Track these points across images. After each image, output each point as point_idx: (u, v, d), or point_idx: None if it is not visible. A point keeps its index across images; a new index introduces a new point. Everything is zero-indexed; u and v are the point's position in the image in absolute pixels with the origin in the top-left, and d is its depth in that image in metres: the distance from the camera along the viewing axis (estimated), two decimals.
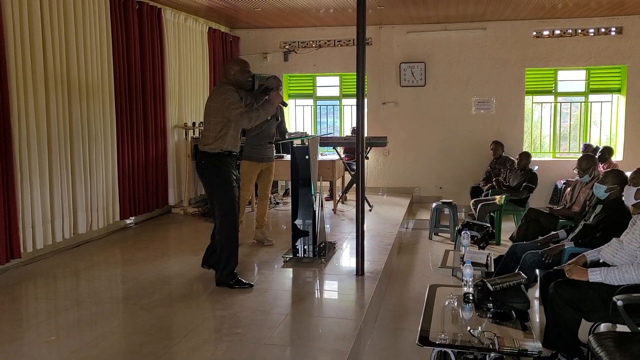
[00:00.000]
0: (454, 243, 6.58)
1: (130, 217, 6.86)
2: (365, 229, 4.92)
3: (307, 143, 5.21)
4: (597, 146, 8.34)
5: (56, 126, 5.44)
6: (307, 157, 5.14)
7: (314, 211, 5.20)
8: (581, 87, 9.01)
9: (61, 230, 5.59)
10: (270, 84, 5.07)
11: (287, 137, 6.17)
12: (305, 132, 8.80)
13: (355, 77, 4.62)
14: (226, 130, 4.40)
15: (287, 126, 6.20)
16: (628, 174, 3.80)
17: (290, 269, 5.08)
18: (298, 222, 5.26)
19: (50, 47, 5.33)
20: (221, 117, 4.37)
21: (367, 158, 8.52)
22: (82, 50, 5.78)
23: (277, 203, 8.33)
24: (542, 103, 9.23)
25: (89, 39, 5.87)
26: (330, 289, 4.74)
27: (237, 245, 4.55)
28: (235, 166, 4.63)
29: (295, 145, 5.36)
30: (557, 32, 8.66)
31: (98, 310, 4.11)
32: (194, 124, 7.91)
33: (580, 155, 6.03)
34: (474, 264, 4.19)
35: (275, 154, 6.12)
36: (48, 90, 5.33)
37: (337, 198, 8.06)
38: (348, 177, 8.43)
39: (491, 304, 3.28)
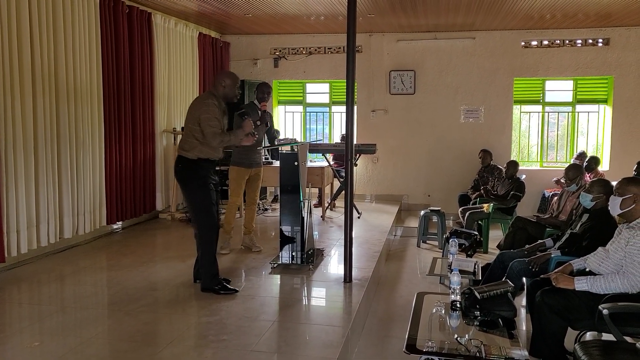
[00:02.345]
0: (441, 251, 6.61)
1: (117, 222, 6.81)
2: (353, 236, 4.92)
3: (296, 149, 5.20)
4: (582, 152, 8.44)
5: (43, 129, 5.40)
6: (296, 163, 5.14)
7: (303, 218, 5.19)
8: (568, 97, 9.10)
9: (46, 235, 5.53)
10: (259, 92, 5.54)
11: (276, 143, 6.16)
12: (295, 139, 8.80)
13: (345, 84, 4.63)
14: (204, 139, 4.43)
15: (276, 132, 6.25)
16: (614, 183, 3.83)
17: (278, 276, 5.07)
18: (286, 228, 5.24)
19: (39, 50, 5.30)
20: (199, 127, 4.42)
21: (356, 165, 8.54)
22: (71, 53, 5.74)
23: (266, 209, 8.31)
24: (530, 112, 9.31)
25: (78, 42, 5.84)
26: (318, 296, 4.72)
27: (215, 249, 4.57)
28: (214, 171, 4.67)
29: (284, 151, 5.36)
30: (545, 42, 8.75)
31: (83, 315, 4.07)
32: (182, 128, 7.85)
33: (571, 162, 6.08)
34: (461, 271, 4.19)
35: (263, 160, 6.12)
36: (35, 93, 5.29)
37: (326, 205, 8.05)
38: (337, 184, 8.44)
39: (478, 312, 3.29)
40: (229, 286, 4.53)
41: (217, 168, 7.59)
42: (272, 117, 6.30)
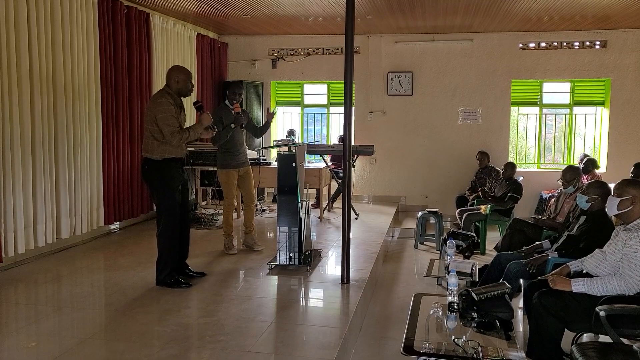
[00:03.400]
0: (439, 252, 6.60)
1: (115, 223, 6.80)
2: (351, 237, 4.92)
3: (294, 150, 5.21)
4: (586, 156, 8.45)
5: (41, 129, 5.39)
6: (294, 164, 5.14)
7: (300, 218, 5.19)
8: (566, 99, 9.12)
9: (44, 235, 5.52)
10: (231, 92, 5.75)
11: (273, 144, 6.15)
12: (293, 140, 8.80)
13: (343, 85, 4.64)
14: (164, 139, 4.49)
15: (271, 132, 6.24)
16: (611, 185, 3.85)
17: (276, 277, 5.06)
18: (284, 229, 5.24)
19: (37, 49, 5.29)
20: (157, 127, 4.47)
21: (354, 166, 8.55)
22: (69, 52, 5.74)
23: (264, 210, 8.30)
24: (527, 114, 9.32)
25: (76, 42, 5.84)
26: (315, 297, 4.72)
27: (175, 246, 4.69)
28: (182, 170, 4.74)
29: (282, 152, 5.36)
30: (543, 44, 8.77)
31: (79, 316, 4.06)
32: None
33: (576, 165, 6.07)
34: (458, 273, 4.21)
35: (261, 161, 6.12)
36: (33, 93, 5.28)
37: (324, 206, 8.05)
38: (335, 185, 8.44)
39: (475, 314, 3.30)
40: (182, 280, 4.68)
41: (216, 169, 7.67)
42: (248, 112, 6.25)
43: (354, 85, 4.89)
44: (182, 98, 4.68)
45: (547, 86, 9.13)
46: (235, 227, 6.36)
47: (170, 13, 7.61)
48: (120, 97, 6.65)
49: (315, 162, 8.79)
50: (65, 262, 5.52)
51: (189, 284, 4.66)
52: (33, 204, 5.36)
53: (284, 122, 9.98)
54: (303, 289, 4.84)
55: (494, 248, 6.21)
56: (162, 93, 4.60)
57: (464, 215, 7.10)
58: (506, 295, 3.46)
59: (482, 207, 7.08)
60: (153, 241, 6.63)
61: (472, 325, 3.24)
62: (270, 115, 5.90)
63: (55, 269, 5.28)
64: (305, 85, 9.84)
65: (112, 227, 6.86)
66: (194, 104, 4.83)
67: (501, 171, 7.67)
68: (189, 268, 4.91)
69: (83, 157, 6.03)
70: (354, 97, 8.82)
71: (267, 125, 6.08)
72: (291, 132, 9.23)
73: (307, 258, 5.28)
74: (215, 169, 7.70)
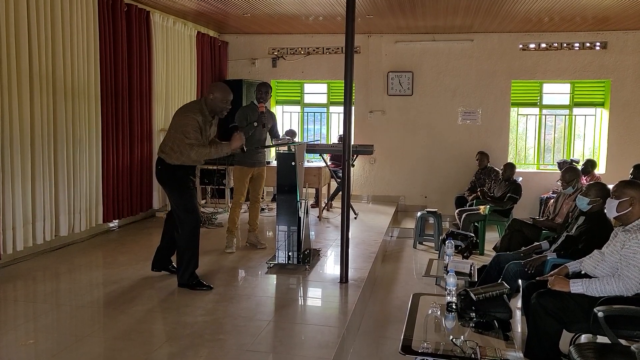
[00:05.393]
0: (438, 252, 6.60)
1: (114, 221, 6.80)
2: (350, 237, 4.92)
3: (293, 150, 5.21)
4: (572, 159, 8.46)
5: (40, 127, 5.38)
6: (293, 163, 5.14)
7: (299, 218, 5.19)
8: (566, 100, 9.12)
9: (42, 232, 5.52)
10: (258, 91, 5.72)
11: (273, 143, 6.16)
12: (292, 138, 8.79)
13: (343, 85, 4.64)
14: (183, 149, 4.39)
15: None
16: (610, 186, 3.84)
17: (274, 276, 5.07)
18: (283, 228, 5.24)
19: (36, 47, 5.28)
20: (180, 135, 4.40)
21: (353, 166, 8.55)
22: (69, 50, 5.73)
23: (263, 209, 8.29)
24: (527, 115, 9.33)
25: (76, 40, 5.83)
26: (314, 296, 4.73)
27: (197, 247, 4.62)
28: (193, 172, 4.70)
29: (281, 151, 5.36)
30: (543, 45, 8.77)
31: (78, 313, 4.07)
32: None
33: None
34: (457, 273, 4.19)
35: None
36: (33, 90, 5.27)
37: (323, 205, 8.05)
38: (334, 184, 8.44)
39: (474, 314, 3.29)
40: (204, 282, 4.61)
41: (215, 168, 7.68)
42: (275, 116, 6.32)
43: (354, 85, 4.88)
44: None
45: (547, 87, 9.13)
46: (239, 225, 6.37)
47: (170, 11, 7.60)
48: (120, 96, 6.64)
49: (314, 161, 8.79)
50: (63, 259, 5.52)
51: (210, 287, 4.56)
52: (32, 202, 5.36)
53: (284, 121, 9.97)
54: (301, 288, 4.85)
55: (493, 248, 6.22)
56: (194, 105, 4.53)
57: (463, 216, 7.10)
58: (505, 295, 3.45)
59: (481, 207, 7.08)
60: (152, 239, 6.67)
61: (471, 325, 3.24)
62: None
63: (53, 267, 5.28)
64: (305, 84, 9.84)
65: (111, 225, 6.86)
66: (230, 126, 4.74)
67: (500, 172, 7.67)
68: (172, 264, 4.90)
69: (82, 155, 6.03)
70: (353, 97, 8.82)
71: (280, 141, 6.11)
72: (288, 133, 9.20)
73: (305, 257, 5.28)
74: (215, 167, 7.72)
